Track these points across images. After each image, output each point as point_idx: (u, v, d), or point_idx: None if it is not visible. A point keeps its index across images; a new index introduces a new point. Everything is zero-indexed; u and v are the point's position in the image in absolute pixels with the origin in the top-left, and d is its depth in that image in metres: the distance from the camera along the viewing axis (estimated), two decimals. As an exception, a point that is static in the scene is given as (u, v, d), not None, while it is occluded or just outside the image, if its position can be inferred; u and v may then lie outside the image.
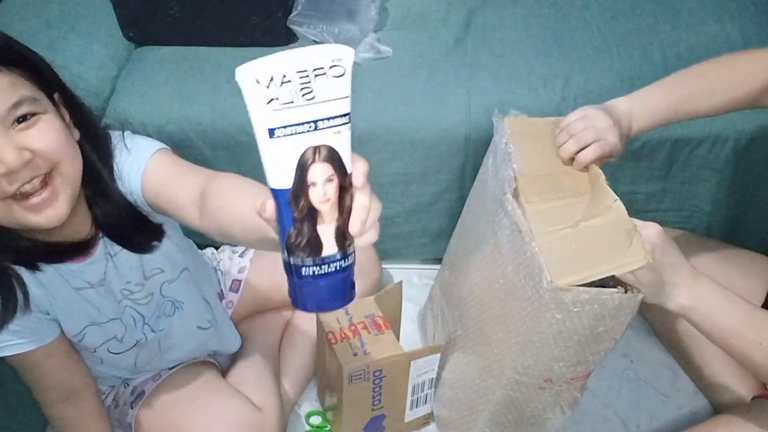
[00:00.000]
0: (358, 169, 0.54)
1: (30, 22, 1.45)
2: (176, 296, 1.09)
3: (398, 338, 1.23)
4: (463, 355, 1.14)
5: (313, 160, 0.53)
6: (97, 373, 1.12)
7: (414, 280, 1.53)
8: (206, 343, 1.19)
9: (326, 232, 0.55)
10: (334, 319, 1.19)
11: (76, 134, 0.87)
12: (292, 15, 1.40)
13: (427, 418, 1.31)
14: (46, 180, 0.81)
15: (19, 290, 0.88)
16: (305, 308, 0.59)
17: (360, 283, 1.35)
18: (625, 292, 0.86)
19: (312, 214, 0.54)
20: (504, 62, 1.38)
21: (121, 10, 1.42)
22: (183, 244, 1.11)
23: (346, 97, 0.54)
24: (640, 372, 1.39)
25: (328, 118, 0.53)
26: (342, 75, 0.53)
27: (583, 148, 0.96)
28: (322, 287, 0.57)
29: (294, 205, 0.54)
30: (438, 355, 1.18)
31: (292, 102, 0.52)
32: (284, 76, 0.51)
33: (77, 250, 0.93)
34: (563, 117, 1.02)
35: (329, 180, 0.54)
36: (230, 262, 1.34)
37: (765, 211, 1.39)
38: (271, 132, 0.53)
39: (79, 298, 0.97)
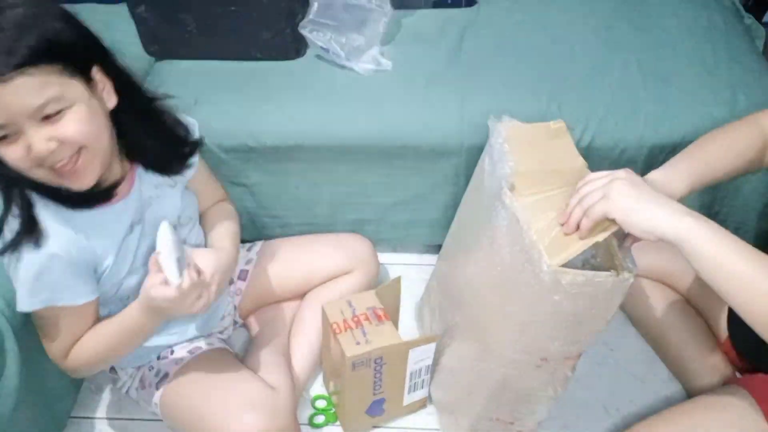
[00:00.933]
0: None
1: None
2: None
3: (397, 329, 1.24)
4: (462, 340, 1.16)
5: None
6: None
7: (412, 275, 1.55)
8: None
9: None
10: (338, 311, 1.20)
11: (113, 101, 0.92)
12: (303, 20, 1.40)
13: (423, 402, 1.33)
14: (77, 156, 0.87)
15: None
16: None
17: (358, 276, 1.39)
18: (617, 275, 0.88)
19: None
20: (494, 75, 1.41)
21: (143, 28, 1.46)
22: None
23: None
24: (620, 359, 1.41)
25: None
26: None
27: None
28: None
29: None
30: (434, 344, 1.19)
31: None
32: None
33: (116, 187, 1.00)
34: (550, 122, 1.04)
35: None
36: (239, 255, 1.39)
37: (764, 211, 1.41)
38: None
39: (129, 239, 1.02)
